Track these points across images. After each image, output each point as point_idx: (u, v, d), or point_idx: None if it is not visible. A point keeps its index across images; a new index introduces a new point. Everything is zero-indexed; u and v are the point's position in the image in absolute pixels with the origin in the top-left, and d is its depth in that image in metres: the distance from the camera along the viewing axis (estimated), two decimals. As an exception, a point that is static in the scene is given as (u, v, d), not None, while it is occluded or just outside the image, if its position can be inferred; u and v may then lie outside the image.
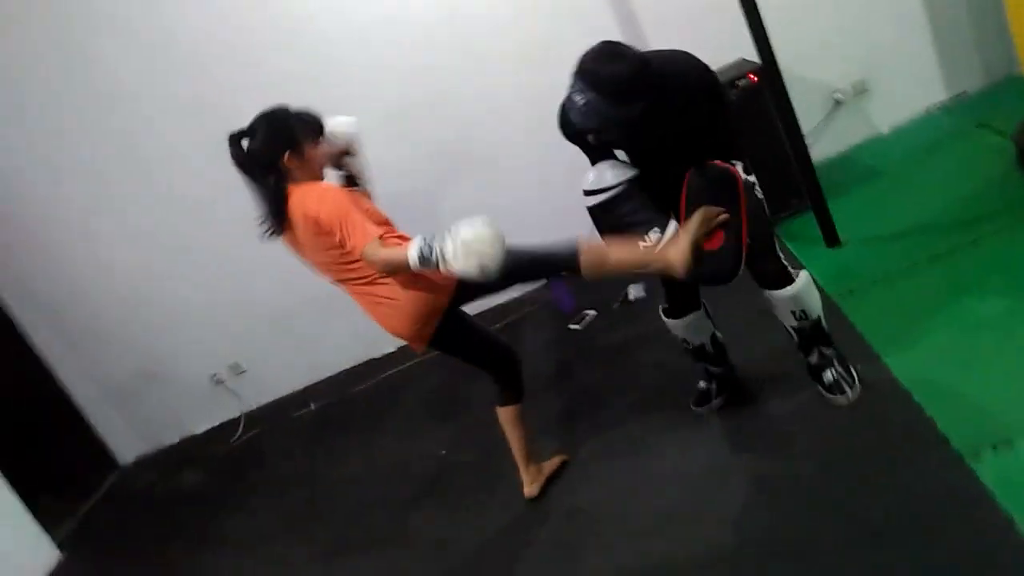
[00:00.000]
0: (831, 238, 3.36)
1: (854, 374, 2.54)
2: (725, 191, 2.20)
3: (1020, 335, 2.47)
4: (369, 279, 2.40)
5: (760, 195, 2.40)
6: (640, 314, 3.66)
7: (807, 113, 3.81)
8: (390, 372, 4.26)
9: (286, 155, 2.32)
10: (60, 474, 4.86)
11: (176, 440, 4.85)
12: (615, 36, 2.16)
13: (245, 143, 2.36)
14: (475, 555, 2.69)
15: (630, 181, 2.28)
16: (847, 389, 2.50)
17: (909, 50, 4.08)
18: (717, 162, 2.26)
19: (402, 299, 2.39)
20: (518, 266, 2.26)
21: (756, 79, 3.49)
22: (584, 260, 2.27)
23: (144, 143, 4.14)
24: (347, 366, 4.59)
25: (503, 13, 3.93)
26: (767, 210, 2.46)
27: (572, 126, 2.22)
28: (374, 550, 2.94)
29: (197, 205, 4.24)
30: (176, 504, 4.09)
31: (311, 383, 4.64)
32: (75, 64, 4.00)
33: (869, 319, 2.80)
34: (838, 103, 4.13)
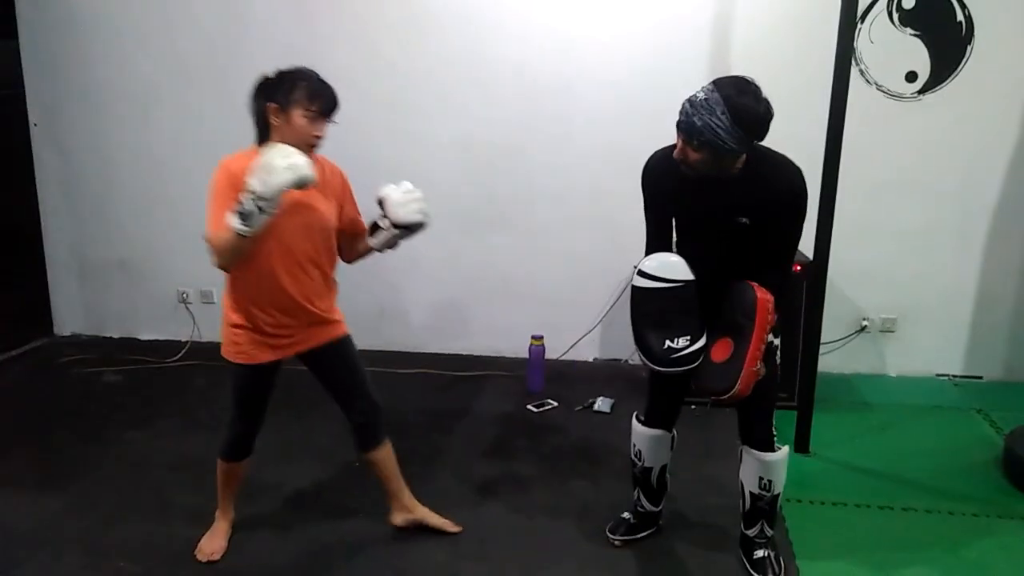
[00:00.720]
0: (802, 444, 3.35)
1: (783, 565, 2.52)
2: (747, 309, 2.17)
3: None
4: None
5: (778, 361, 2.40)
6: (597, 425, 3.63)
7: (831, 324, 3.87)
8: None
9: (271, 105, 2.25)
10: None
11: (116, 336, 4.78)
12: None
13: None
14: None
15: (691, 283, 2.23)
16: (771, 574, 2.48)
17: (948, 317, 4.16)
18: (755, 284, 2.20)
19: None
20: None
21: (800, 270, 3.55)
22: None
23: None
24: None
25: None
26: (778, 379, 2.45)
27: (653, 174, 2.28)
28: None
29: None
30: (79, 395, 3.99)
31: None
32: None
33: (803, 531, 2.78)
34: (863, 329, 4.19)
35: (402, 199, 2.38)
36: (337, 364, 2.54)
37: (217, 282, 4.47)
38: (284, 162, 2.05)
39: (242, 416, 2.54)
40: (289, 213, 2.24)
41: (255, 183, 2.05)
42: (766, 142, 2.17)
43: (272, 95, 2.25)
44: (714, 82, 2.07)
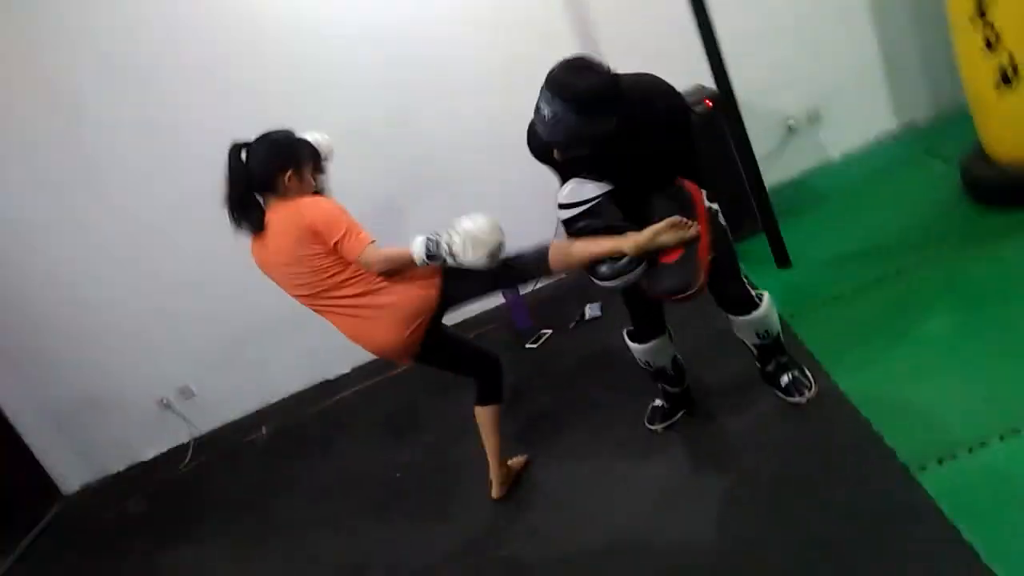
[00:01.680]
0: (782, 260, 3.40)
1: (809, 377, 2.59)
2: (685, 209, 2.21)
3: (963, 351, 2.52)
4: (358, 292, 2.44)
5: (724, 223, 2.42)
6: (596, 333, 3.66)
7: (761, 139, 3.87)
8: (344, 394, 4.20)
9: (287, 174, 2.39)
10: (0, 505, 4.68)
11: (123, 467, 4.69)
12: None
13: (244, 156, 2.41)
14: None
15: (605, 195, 2.26)
16: (804, 390, 2.55)
17: (860, 80, 4.19)
18: (682, 182, 2.28)
19: (399, 299, 2.44)
20: (501, 268, 2.36)
21: (712, 105, 3.55)
22: (552, 254, 2.38)
23: (101, 157, 4.05)
24: (300, 388, 4.51)
25: (469, 35, 3.97)
26: (731, 237, 2.47)
27: (539, 140, 2.19)
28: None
29: (149, 225, 4.17)
30: (122, 534, 3.93)
31: (263, 406, 4.54)
32: (35, 74, 3.92)
33: (818, 338, 2.83)
34: (791, 130, 4.22)
35: (470, 234, 2.33)
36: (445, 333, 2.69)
37: (188, 374, 4.50)
38: (491, 239, 2.28)
39: (474, 361, 2.76)
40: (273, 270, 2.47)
41: (461, 246, 2.26)
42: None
43: (282, 165, 2.40)
44: (546, 85, 2.02)
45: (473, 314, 4.39)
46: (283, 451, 4.00)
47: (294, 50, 3.93)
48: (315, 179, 2.50)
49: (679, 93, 2.24)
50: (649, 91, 2.20)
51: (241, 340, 4.41)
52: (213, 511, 3.72)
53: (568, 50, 2.19)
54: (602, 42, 3.94)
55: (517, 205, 3.54)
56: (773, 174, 4.03)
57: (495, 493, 2.79)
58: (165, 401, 4.53)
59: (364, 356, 4.16)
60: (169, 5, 3.82)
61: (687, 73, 3.62)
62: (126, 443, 4.66)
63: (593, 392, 3.20)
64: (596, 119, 2.03)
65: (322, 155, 2.55)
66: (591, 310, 3.83)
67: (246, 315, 4.29)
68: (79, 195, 4.12)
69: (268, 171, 2.39)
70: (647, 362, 2.68)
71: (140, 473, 4.53)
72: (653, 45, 3.80)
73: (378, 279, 2.43)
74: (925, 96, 4.23)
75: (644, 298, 2.47)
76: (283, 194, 2.41)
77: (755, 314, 2.46)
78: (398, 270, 2.42)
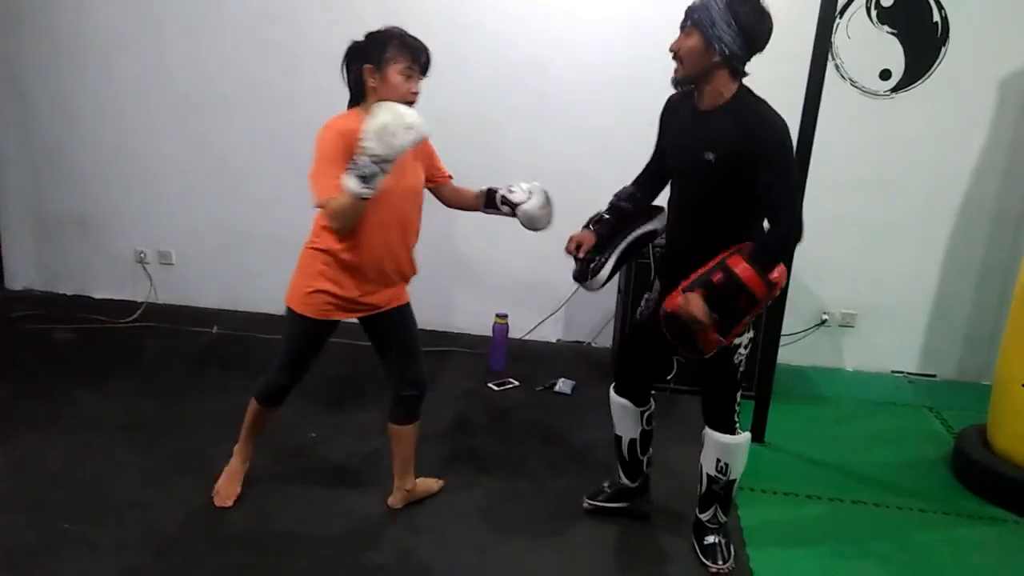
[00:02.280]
0: (758, 434, 3.38)
1: (732, 551, 2.54)
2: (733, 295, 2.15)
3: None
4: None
5: (745, 352, 2.39)
6: (557, 406, 3.63)
7: (793, 314, 3.92)
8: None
9: (367, 67, 2.27)
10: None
11: (70, 292, 4.66)
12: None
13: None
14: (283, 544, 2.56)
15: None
16: (721, 561, 2.50)
17: (906, 313, 4.22)
18: (742, 265, 2.14)
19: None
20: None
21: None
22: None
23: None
24: (273, 311, 4.48)
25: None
26: (742, 370, 2.44)
27: (665, 108, 2.40)
28: (193, 482, 2.78)
29: (211, 91, 4.20)
30: (28, 351, 3.88)
31: (228, 308, 4.50)
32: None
33: (755, 521, 2.81)
34: (823, 323, 4.24)
35: (538, 213, 2.62)
36: (399, 329, 2.56)
37: (176, 243, 4.48)
38: (403, 122, 2.06)
39: (290, 368, 2.54)
40: (395, 177, 2.23)
41: (374, 145, 2.04)
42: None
43: (367, 57, 2.26)
44: None
45: (456, 330, 4.39)
46: (219, 358, 3.94)
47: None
48: (408, 81, 2.27)
49: (783, 135, 2.13)
50: (763, 110, 2.14)
51: (245, 238, 4.40)
52: (119, 379, 3.62)
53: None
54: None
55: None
56: (786, 352, 4.05)
57: (392, 501, 2.73)
58: (142, 255, 4.50)
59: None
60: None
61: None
62: (85, 275, 4.62)
63: (531, 456, 3.16)
64: (731, 32, 2.07)
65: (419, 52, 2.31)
66: (563, 384, 3.81)
67: (265, 221, 4.29)
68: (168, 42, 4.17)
69: (350, 69, 2.31)
70: (614, 423, 2.67)
71: (81, 307, 4.46)
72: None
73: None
74: (956, 356, 4.26)
75: (638, 356, 2.55)
76: (375, 95, 2.26)
77: (729, 439, 2.44)
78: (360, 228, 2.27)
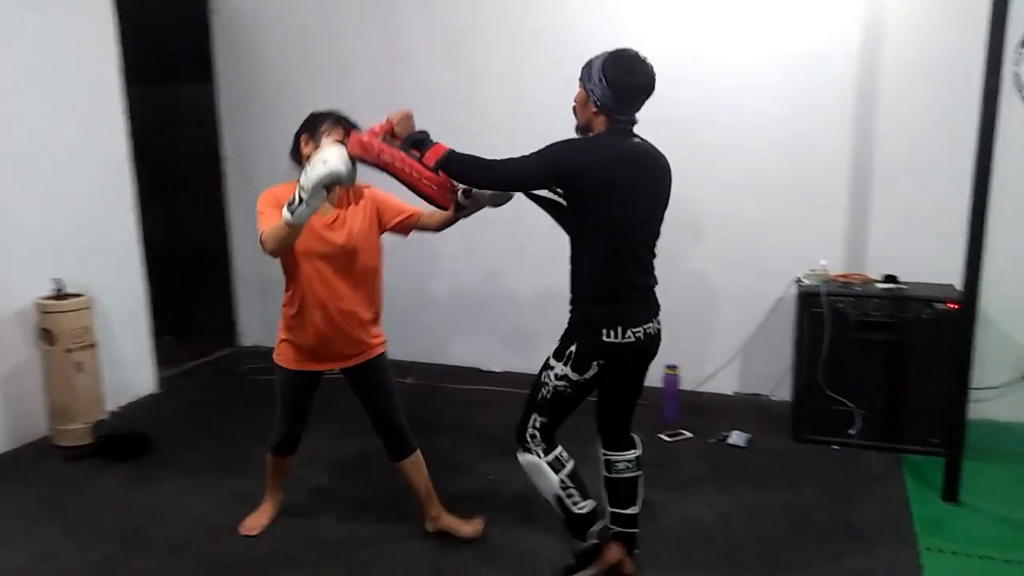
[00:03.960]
0: (951, 492, 3.17)
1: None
2: None
3: None
4: None
5: (549, 380, 2.43)
6: (729, 458, 3.62)
7: (991, 366, 3.66)
8: (486, 386, 4.46)
9: (302, 136, 2.69)
10: (190, 327, 5.47)
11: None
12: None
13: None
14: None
15: None
16: None
17: None
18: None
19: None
20: None
21: (954, 307, 3.38)
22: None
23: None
24: (460, 363, 4.81)
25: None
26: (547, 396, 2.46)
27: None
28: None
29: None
30: (254, 399, 4.38)
31: (420, 360, 4.89)
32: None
33: (943, 581, 2.65)
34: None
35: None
36: (369, 384, 2.85)
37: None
38: (320, 156, 2.32)
39: (286, 416, 2.90)
40: (322, 240, 2.61)
41: (301, 177, 2.32)
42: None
43: (299, 131, 2.71)
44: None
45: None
46: (410, 405, 4.28)
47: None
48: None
49: (561, 143, 2.34)
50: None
51: (437, 300, 4.78)
52: (334, 417, 4.04)
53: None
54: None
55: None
56: (988, 407, 3.76)
57: (426, 526, 2.96)
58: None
59: (519, 362, 4.39)
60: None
61: (938, 270, 3.53)
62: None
63: (689, 511, 3.16)
64: (602, 84, 2.31)
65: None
66: (737, 437, 3.77)
67: (455, 282, 4.66)
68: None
69: (295, 141, 2.71)
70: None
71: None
72: (920, 213, 3.73)
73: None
74: None
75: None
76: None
77: (521, 458, 2.50)
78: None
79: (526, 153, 2.33)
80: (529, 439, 2.49)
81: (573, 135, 2.46)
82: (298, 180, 2.33)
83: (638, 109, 2.37)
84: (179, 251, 5.47)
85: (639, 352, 2.43)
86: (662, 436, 3.85)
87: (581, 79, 2.38)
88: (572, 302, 2.45)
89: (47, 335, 3.77)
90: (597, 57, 2.34)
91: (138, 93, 4.51)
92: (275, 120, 4.95)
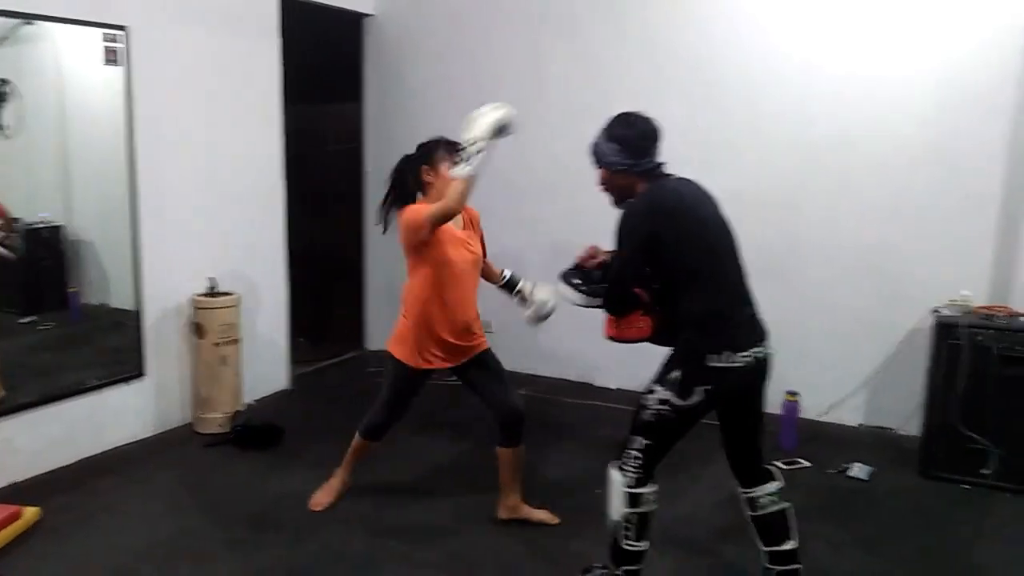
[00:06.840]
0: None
1: None
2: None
3: None
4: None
5: (664, 410, 2.37)
6: (848, 491, 3.48)
7: None
8: (604, 402, 4.47)
9: (423, 168, 2.89)
10: (323, 331, 5.80)
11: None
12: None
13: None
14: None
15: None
16: None
17: None
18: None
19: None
20: None
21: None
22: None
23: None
24: (571, 377, 4.85)
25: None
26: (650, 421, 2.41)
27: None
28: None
29: (534, 179, 4.77)
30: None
31: (534, 373, 4.98)
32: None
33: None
34: None
35: (535, 322, 3.09)
36: (487, 373, 3.08)
37: (495, 314, 5.07)
38: (481, 112, 2.55)
39: (392, 408, 3.13)
40: (460, 249, 2.89)
41: (468, 134, 2.53)
42: None
43: (418, 160, 2.96)
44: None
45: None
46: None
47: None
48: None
49: (631, 208, 2.40)
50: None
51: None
52: (446, 423, 4.21)
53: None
54: None
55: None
56: None
57: (500, 513, 3.15)
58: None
59: (630, 379, 4.39)
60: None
61: None
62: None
63: (806, 540, 3.06)
64: (616, 149, 2.40)
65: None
66: (858, 470, 3.63)
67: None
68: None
69: (411, 165, 3.01)
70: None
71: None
72: None
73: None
74: None
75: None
76: (427, 191, 2.94)
77: (612, 471, 2.47)
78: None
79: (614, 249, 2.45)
80: (629, 459, 2.48)
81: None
82: (463, 139, 2.56)
83: (657, 153, 2.44)
84: (319, 259, 5.81)
85: (748, 376, 2.39)
86: (777, 464, 3.74)
87: (596, 162, 2.47)
88: (676, 332, 2.42)
89: (198, 329, 4.12)
90: (596, 136, 2.46)
91: (292, 110, 4.87)
92: (413, 137, 5.15)
